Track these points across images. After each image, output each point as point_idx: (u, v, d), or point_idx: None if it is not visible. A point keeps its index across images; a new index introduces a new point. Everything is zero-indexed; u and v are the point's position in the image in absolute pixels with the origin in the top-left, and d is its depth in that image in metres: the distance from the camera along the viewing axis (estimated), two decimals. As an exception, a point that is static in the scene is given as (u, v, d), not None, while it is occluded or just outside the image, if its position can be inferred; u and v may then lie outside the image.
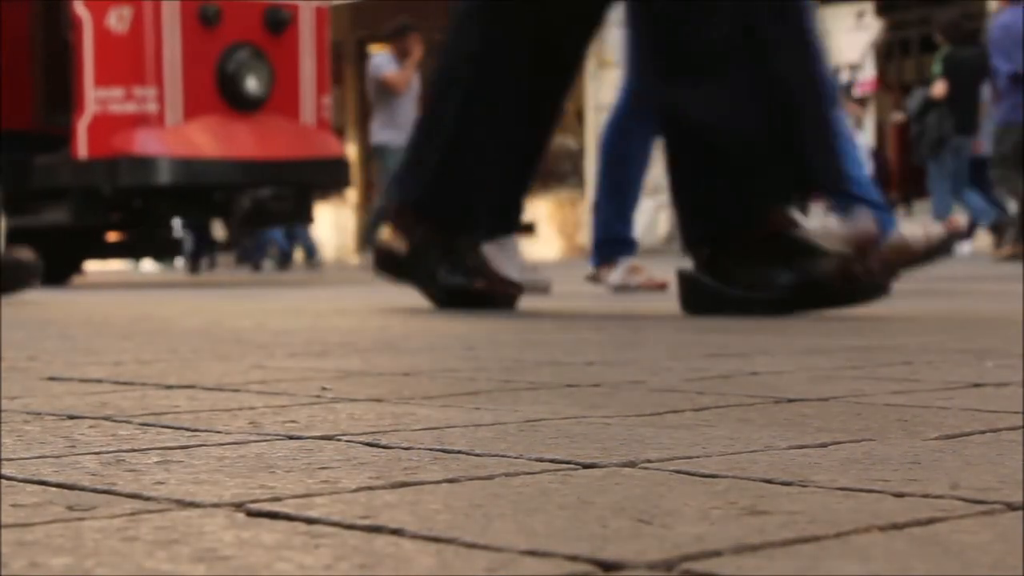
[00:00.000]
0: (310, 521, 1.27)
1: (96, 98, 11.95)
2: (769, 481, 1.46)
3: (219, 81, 12.08)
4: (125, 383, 2.64)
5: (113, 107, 11.95)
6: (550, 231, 28.01)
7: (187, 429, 1.94)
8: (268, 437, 1.85)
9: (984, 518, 1.26)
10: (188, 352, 3.40)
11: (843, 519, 1.25)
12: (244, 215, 12.46)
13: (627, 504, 1.34)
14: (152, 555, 1.14)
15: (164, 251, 14.79)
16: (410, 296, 5.68)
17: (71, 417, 2.10)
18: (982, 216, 15.01)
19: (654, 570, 1.07)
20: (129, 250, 14.51)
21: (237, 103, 12.10)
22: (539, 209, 28.06)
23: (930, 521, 1.24)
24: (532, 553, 1.13)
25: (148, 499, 1.39)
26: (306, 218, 13.37)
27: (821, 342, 3.50)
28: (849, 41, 19.45)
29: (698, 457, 1.63)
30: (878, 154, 19.92)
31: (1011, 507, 1.30)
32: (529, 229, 28.85)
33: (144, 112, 11.94)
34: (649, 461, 1.61)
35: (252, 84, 12.14)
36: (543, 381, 2.58)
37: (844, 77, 17.39)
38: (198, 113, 11.99)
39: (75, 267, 13.96)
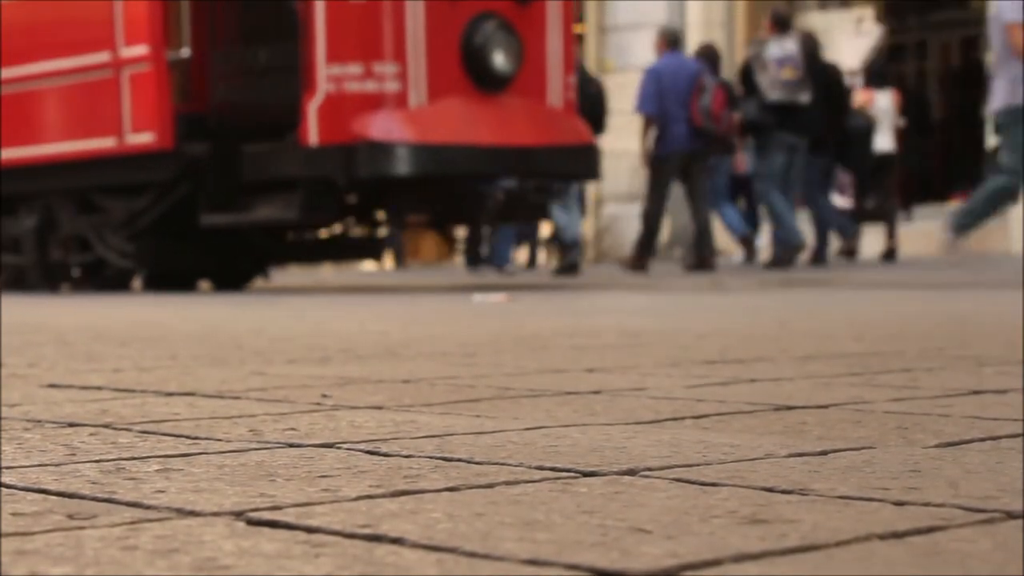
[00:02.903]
0: (310, 530, 1.27)
1: (329, 76, 10.14)
2: (770, 489, 1.46)
3: (464, 56, 10.28)
4: (125, 390, 2.64)
5: (349, 86, 10.14)
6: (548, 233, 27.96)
7: (187, 437, 1.94)
8: (268, 445, 1.85)
9: (984, 527, 1.26)
10: (188, 359, 3.40)
11: (843, 528, 1.25)
12: (497, 209, 10.65)
13: (628, 513, 1.34)
14: (152, 564, 1.14)
15: (368, 252, 12.63)
16: (409, 303, 5.68)
17: (71, 425, 2.10)
18: (737, 229, 15.48)
19: (654, 579, 1.07)
20: (325, 251, 12.44)
21: (483, 81, 10.32)
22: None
23: (930, 529, 1.24)
24: (533, 562, 1.13)
25: (148, 508, 1.39)
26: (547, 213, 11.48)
27: (820, 348, 3.50)
28: (849, 47, 19.48)
29: (698, 465, 1.63)
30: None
31: (1011, 515, 1.30)
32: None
33: (384, 92, 10.14)
34: (649, 469, 1.61)
35: (500, 60, 10.35)
36: (543, 388, 2.58)
37: (844, 82, 17.48)
38: (442, 93, 10.19)
39: (259, 269, 12.11)
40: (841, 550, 1.16)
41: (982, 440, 1.83)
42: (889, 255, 15.45)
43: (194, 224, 10.60)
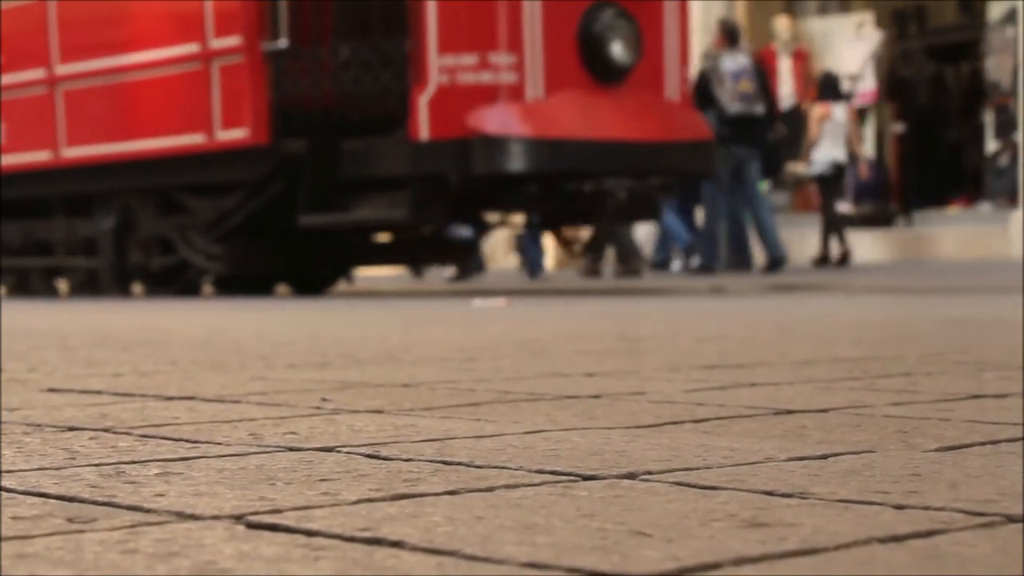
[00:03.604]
0: (310, 533, 1.27)
1: (441, 67, 9.46)
2: (769, 493, 1.46)
3: (581, 46, 9.68)
4: (125, 394, 2.64)
5: (463, 77, 9.48)
6: (547, 239, 27.96)
7: (187, 441, 1.94)
8: (268, 449, 1.86)
9: (984, 530, 1.26)
10: (188, 363, 3.40)
11: (843, 531, 1.25)
12: (617, 208, 9.99)
13: (627, 516, 1.34)
14: (152, 568, 1.14)
15: (459, 254, 12.26)
16: (411, 308, 5.68)
17: (71, 429, 2.10)
18: (678, 239, 15.36)
19: (654, 583, 1.08)
20: (412, 253, 11.92)
21: (601, 73, 9.72)
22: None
23: (930, 533, 1.24)
24: (533, 565, 1.13)
25: (148, 511, 1.40)
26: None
27: (819, 352, 3.50)
28: (850, 52, 19.52)
29: (698, 469, 1.63)
30: (878, 164, 19.99)
31: (1011, 519, 1.30)
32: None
33: (499, 83, 9.49)
34: (649, 473, 1.61)
35: (618, 50, 9.76)
36: (543, 392, 2.58)
37: (845, 87, 17.52)
38: (560, 84, 9.59)
39: (342, 272, 11.58)
40: (841, 553, 1.17)
41: (982, 444, 1.83)
42: (824, 261, 15.48)
43: (279, 224, 10.00)
